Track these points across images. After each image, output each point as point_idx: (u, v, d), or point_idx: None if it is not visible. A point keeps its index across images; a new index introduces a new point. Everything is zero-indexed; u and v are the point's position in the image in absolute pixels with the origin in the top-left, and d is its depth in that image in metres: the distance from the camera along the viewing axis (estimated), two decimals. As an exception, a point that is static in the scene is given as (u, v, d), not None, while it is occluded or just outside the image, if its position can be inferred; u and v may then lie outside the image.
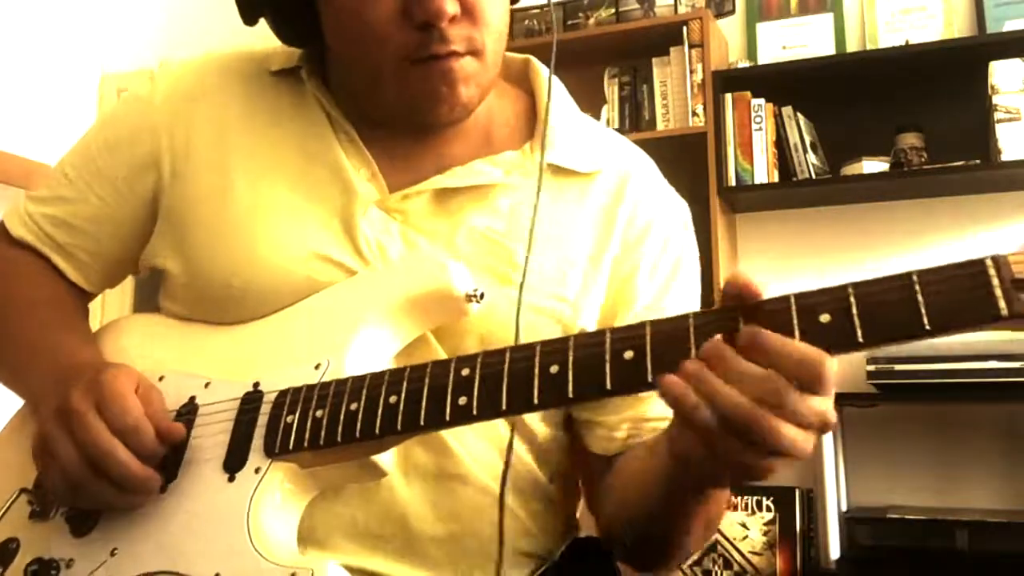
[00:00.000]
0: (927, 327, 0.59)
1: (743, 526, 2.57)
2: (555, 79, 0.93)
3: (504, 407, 0.69)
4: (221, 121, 0.91)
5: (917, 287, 0.60)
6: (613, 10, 2.96)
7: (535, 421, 0.88)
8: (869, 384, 2.40)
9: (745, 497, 2.59)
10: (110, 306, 2.91)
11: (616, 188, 0.91)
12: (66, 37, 3.41)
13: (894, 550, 2.35)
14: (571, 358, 0.67)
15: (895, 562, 2.35)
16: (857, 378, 2.45)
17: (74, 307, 0.96)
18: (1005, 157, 2.43)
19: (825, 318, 0.61)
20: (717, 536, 2.57)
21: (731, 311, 0.64)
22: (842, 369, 2.30)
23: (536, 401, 0.68)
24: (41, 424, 0.79)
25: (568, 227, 0.88)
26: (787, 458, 0.62)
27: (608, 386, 0.66)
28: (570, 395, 0.67)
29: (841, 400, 2.49)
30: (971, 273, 0.59)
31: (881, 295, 0.61)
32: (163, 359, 0.86)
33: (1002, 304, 0.57)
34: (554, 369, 0.67)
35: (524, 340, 0.76)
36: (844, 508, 2.48)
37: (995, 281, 0.58)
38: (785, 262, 2.79)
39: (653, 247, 0.90)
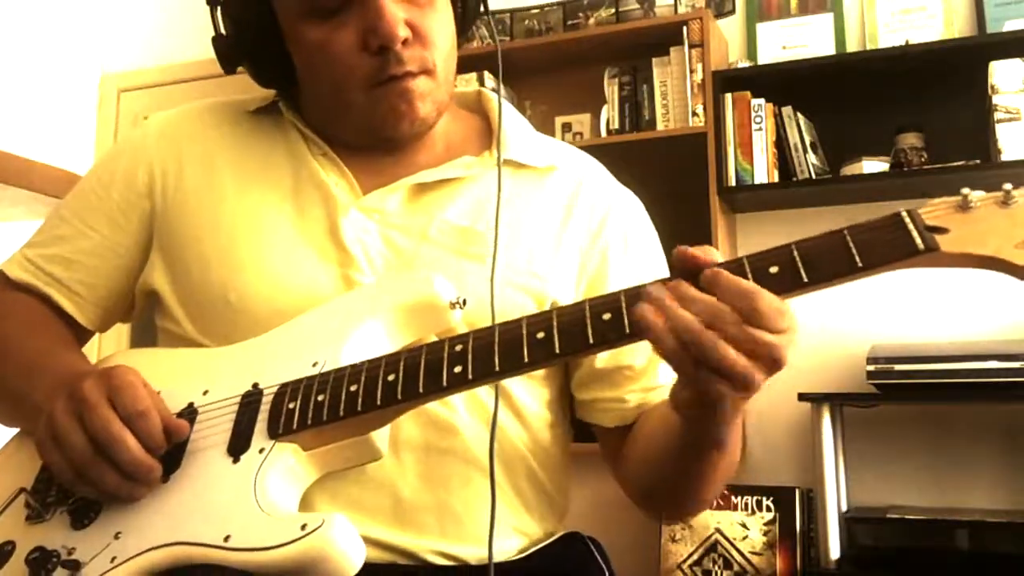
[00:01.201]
0: (859, 264, 0.70)
1: (743, 526, 2.57)
2: (506, 102, 1.04)
3: (497, 369, 0.75)
4: (209, 152, 0.99)
5: (848, 237, 0.71)
6: (613, 10, 2.96)
7: (522, 400, 0.93)
8: (869, 384, 2.40)
9: (745, 497, 2.59)
10: (107, 349, 2.91)
11: (572, 184, 1.01)
12: (66, 37, 3.42)
13: (894, 550, 2.36)
14: (555, 324, 0.75)
15: (895, 562, 2.35)
16: (857, 378, 2.45)
17: (71, 339, 1.00)
18: (1005, 157, 2.43)
19: (774, 269, 0.72)
20: (717, 536, 2.57)
21: (694, 275, 0.72)
22: (842, 369, 2.32)
23: (527, 359, 0.75)
24: (49, 412, 0.81)
25: (531, 212, 0.97)
26: (741, 387, 0.70)
27: (591, 340, 0.73)
28: (557, 351, 0.74)
29: (841, 400, 2.51)
30: (891, 222, 0.71)
31: (820, 246, 0.72)
32: (161, 378, 0.88)
33: (918, 241, 0.70)
34: (540, 335, 0.75)
35: (504, 313, 0.84)
36: (844, 508, 2.48)
37: (911, 225, 0.70)
38: (785, 262, 2.79)
39: (615, 234, 1.00)
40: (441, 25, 0.93)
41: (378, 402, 0.76)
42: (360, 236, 0.92)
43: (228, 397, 0.83)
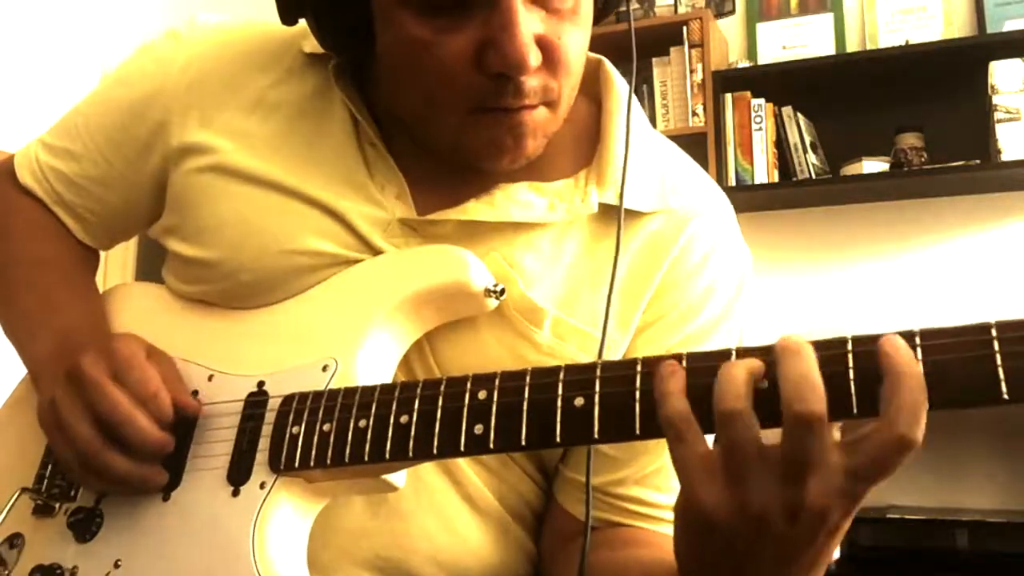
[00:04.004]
0: (1006, 397, 0.51)
1: (743, 526, 2.57)
2: (628, 91, 0.81)
3: (523, 443, 0.63)
4: (239, 104, 0.83)
5: (998, 353, 0.51)
6: (613, 10, 2.96)
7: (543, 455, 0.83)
8: (869, 384, 2.39)
9: (745, 497, 2.59)
10: (112, 269, 2.87)
11: (671, 229, 0.80)
12: (66, 36, 3.42)
13: (894, 550, 2.35)
14: (597, 391, 0.61)
15: (895, 562, 2.34)
16: (857, 378, 2.45)
17: (79, 264, 0.92)
18: (1005, 157, 2.44)
19: None
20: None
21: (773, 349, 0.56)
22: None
23: (559, 439, 0.61)
24: (48, 393, 0.77)
25: (601, 278, 0.76)
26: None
27: (637, 431, 0.59)
28: (595, 436, 0.61)
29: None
30: None
31: (956, 355, 0.52)
32: (167, 343, 0.83)
33: None
34: (579, 402, 0.61)
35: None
36: (844, 508, 2.48)
37: None
38: (785, 262, 2.79)
39: (689, 296, 0.79)
40: (580, 42, 0.72)
41: (387, 455, 0.67)
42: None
43: (232, 400, 0.78)
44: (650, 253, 0.79)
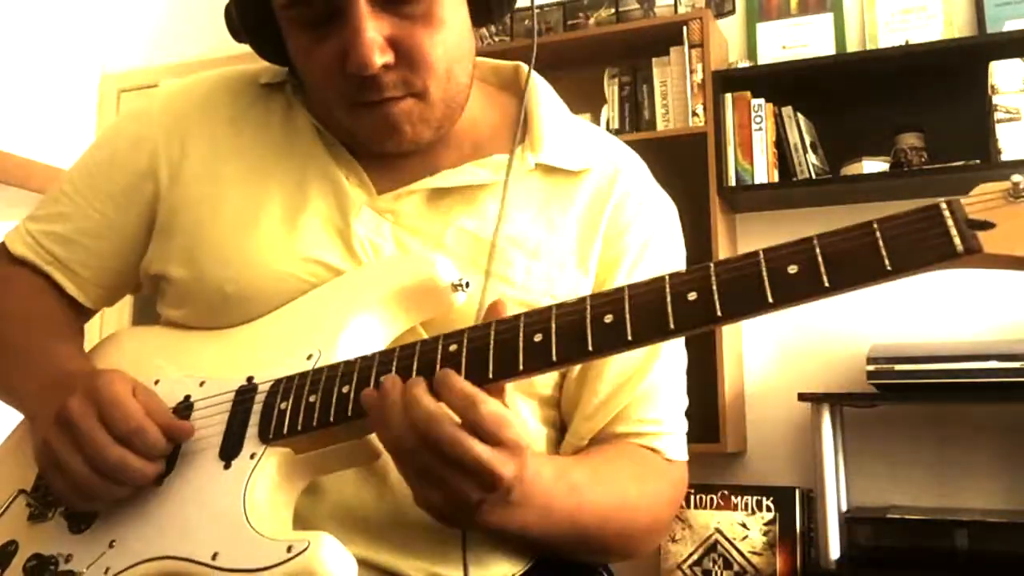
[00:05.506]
0: (888, 268, 0.62)
1: (743, 526, 2.57)
2: (546, 83, 0.98)
3: (491, 375, 0.71)
4: (214, 133, 0.94)
5: (878, 234, 0.63)
6: (613, 10, 2.96)
7: (532, 421, 0.89)
8: (869, 384, 2.39)
9: (745, 497, 2.59)
10: (108, 324, 2.91)
11: (604, 185, 0.94)
12: (66, 37, 3.42)
13: (894, 550, 2.36)
14: (554, 327, 0.70)
15: (895, 562, 2.35)
16: (857, 378, 2.45)
17: (68, 322, 0.98)
18: (1005, 157, 2.43)
19: (793, 269, 0.65)
20: (717, 536, 2.57)
21: (704, 268, 0.67)
22: (842, 369, 2.33)
23: (522, 367, 0.71)
24: (42, 433, 0.79)
25: (558, 229, 0.90)
26: (458, 501, 0.71)
27: (590, 347, 0.69)
28: (554, 359, 0.70)
29: (841, 400, 2.51)
30: (928, 216, 0.62)
31: (845, 244, 0.64)
32: (158, 365, 0.87)
33: (957, 243, 0.61)
34: (538, 337, 0.71)
35: None
36: (844, 508, 2.48)
37: (950, 221, 0.61)
38: (785, 262, 2.79)
39: (634, 244, 0.93)
40: (440, 39, 0.83)
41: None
42: (371, 237, 0.87)
43: (223, 392, 0.82)
44: (593, 205, 0.93)
